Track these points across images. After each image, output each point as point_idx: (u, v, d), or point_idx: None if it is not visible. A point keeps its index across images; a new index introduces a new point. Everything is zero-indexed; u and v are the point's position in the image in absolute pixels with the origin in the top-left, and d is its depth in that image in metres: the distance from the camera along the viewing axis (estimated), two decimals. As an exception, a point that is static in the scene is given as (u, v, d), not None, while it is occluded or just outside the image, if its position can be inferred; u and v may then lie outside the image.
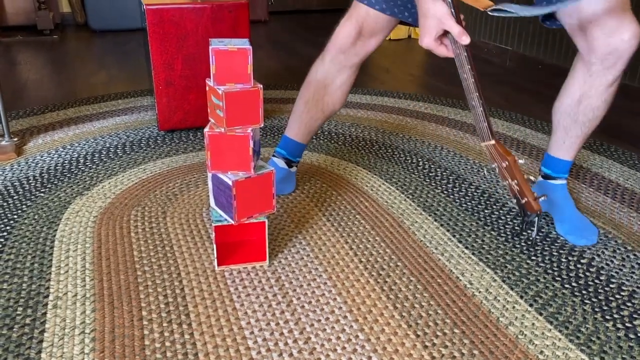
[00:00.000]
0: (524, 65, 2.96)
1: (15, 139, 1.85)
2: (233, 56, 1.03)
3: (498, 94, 2.55)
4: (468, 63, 1.09)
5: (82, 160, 1.74)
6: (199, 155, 1.79)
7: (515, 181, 1.15)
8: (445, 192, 1.55)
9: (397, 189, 1.55)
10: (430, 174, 1.66)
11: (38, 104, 2.33)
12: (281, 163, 1.54)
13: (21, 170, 1.66)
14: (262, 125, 1.12)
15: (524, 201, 1.15)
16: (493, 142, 1.15)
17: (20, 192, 1.52)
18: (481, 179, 1.63)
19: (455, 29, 1.04)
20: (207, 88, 1.10)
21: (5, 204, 1.46)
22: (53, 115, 2.17)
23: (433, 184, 1.59)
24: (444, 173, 1.67)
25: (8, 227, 1.33)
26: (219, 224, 1.15)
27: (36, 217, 1.39)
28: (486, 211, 1.44)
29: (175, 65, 1.88)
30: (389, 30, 1.36)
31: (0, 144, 1.80)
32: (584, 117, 1.26)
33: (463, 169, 1.71)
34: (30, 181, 1.59)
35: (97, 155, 1.78)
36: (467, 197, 1.51)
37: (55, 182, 1.58)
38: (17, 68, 2.94)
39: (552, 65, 2.76)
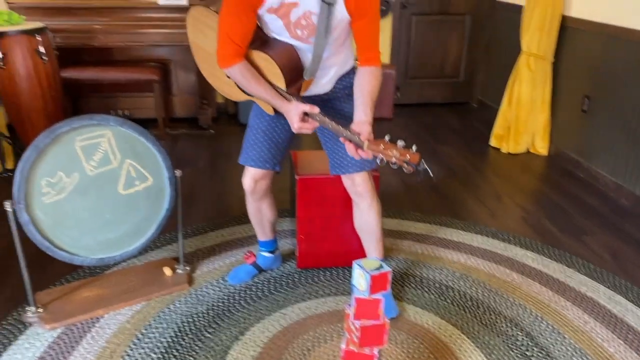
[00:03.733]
0: (639, 208, 3.04)
1: (187, 268, 2.35)
2: (369, 303, 1.38)
3: (604, 245, 2.68)
4: (328, 118, 1.70)
5: (236, 297, 2.18)
6: (327, 302, 2.17)
7: (395, 151, 1.53)
8: (537, 378, 1.77)
9: (494, 369, 1.81)
10: (527, 353, 1.89)
11: (200, 219, 2.86)
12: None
13: (192, 304, 2.14)
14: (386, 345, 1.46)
15: (407, 157, 1.51)
16: (366, 143, 1.60)
17: (192, 330, 1.98)
18: (573, 367, 1.83)
19: (307, 107, 1.73)
20: (346, 313, 1.46)
21: (183, 342, 1.92)
22: (213, 237, 2.67)
23: (527, 367, 1.82)
24: (540, 354, 1.89)
25: (187, 370, 1.78)
26: (345, 411, 1.50)
27: (206, 361, 1.83)
28: (572, 409, 1.65)
29: (316, 221, 2.29)
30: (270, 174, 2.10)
31: (177, 273, 2.30)
32: (365, 230, 2.11)
33: (558, 350, 1.92)
34: (199, 318, 2.05)
35: (247, 291, 2.22)
36: (556, 389, 1.73)
37: (218, 322, 2.03)
38: (184, 170, 3.55)
39: (668, 212, 2.81)
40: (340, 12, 1.70)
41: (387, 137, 1.57)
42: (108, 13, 3.90)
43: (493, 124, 4.13)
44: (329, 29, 1.72)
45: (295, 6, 1.70)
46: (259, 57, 1.78)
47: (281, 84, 1.78)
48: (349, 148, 1.66)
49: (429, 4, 4.80)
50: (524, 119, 3.86)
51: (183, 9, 3.97)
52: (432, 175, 1.60)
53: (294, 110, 1.75)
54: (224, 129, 4.44)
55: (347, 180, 2.03)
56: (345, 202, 2.26)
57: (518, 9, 4.23)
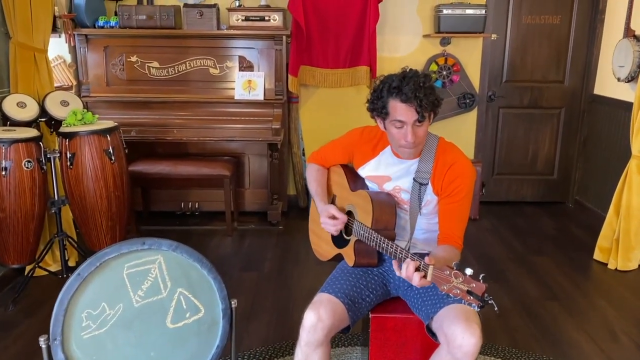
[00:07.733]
0: None
1: (239, 411, 2.02)
2: None
3: None
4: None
5: None
6: None
7: (460, 278, 1.41)
8: None
9: None
10: None
11: (259, 340, 2.55)
12: None
13: None
14: None
15: (472, 286, 1.39)
16: (432, 266, 1.45)
17: None
18: None
19: (340, 216, 1.89)
20: None
21: None
22: (272, 367, 2.35)
23: None
24: None
25: None
26: None
27: None
28: None
29: (392, 368, 1.91)
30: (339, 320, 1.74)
31: (227, 418, 1.98)
32: None
33: None
34: None
35: None
36: None
37: None
38: (247, 274, 3.31)
39: None
40: (429, 192, 1.83)
41: (453, 264, 1.46)
42: (185, 107, 3.86)
43: (594, 229, 3.63)
44: (420, 206, 1.83)
45: (388, 180, 1.90)
46: (360, 195, 1.92)
47: (368, 222, 1.82)
48: (408, 271, 1.52)
49: (519, 98, 4.46)
50: (635, 231, 3.34)
51: (259, 104, 3.87)
52: (496, 309, 1.46)
53: (326, 208, 1.94)
54: (294, 223, 4.20)
55: (442, 335, 1.67)
56: (429, 347, 1.88)
57: (620, 103, 3.83)
